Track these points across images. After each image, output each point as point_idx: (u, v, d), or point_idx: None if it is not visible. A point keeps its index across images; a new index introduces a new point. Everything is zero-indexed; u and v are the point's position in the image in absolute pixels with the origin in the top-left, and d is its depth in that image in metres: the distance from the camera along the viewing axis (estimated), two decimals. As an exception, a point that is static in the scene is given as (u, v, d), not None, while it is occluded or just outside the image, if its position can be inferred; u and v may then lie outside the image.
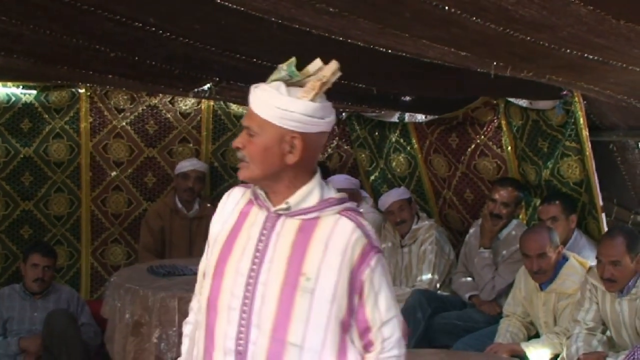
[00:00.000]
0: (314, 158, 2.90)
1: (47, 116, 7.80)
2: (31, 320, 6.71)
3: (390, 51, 4.13)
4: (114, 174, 8.01)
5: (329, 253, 2.77)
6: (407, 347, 2.92)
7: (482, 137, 6.93)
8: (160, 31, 4.37)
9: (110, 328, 6.01)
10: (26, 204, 7.82)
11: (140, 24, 4.24)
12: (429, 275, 6.90)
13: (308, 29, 3.86)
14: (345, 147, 8.65)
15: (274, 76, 2.80)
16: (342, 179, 7.61)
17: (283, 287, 2.75)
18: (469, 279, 6.74)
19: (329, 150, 8.60)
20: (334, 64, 2.78)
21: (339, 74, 2.79)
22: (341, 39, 3.97)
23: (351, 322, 2.80)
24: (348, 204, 2.88)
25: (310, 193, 2.83)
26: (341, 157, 8.64)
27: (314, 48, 4.41)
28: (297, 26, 3.84)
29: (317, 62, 2.80)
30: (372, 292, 2.80)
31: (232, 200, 2.99)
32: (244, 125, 2.83)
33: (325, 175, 7.56)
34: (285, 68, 2.78)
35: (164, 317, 5.50)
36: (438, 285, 6.92)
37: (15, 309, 6.51)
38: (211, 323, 2.85)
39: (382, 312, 2.82)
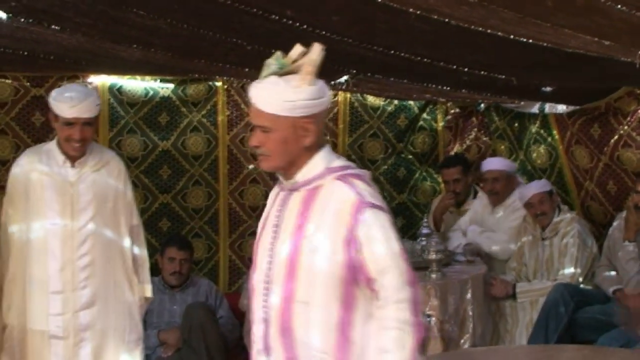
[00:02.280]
0: (321, 133, 3.14)
1: (184, 110, 7.85)
2: (170, 313, 6.78)
3: (530, 41, 4.06)
4: (250, 166, 8.01)
5: (326, 215, 3.00)
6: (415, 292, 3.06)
7: (626, 127, 6.79)
8: (297, 23, 4.33)
9: (248, 321, 6.01)
10: (164, 197, 7.89)
11: (277, 17, 4.22)
12: (571, 269, 6.75)
13: (446, 20, 3.81)
14: (484, 139, 8.46)
15: (265, 72, 3.03)
16: (495, 161, 7.58)
17: (290, 252, 3.03)
18: (613, 272, 6.59)
19: (467, 142, 8.45)
20: (318, 47, 3.01)
21: (322, 54, 3.00)
22: (480, 29, 3.93)
23: (357, 277, 2.98)
24: (350, 170, 3.11)
25: (315, 165, 3.09)
26: (480, 149, 8.46)
27: (452, 38, 4.35)
28: (436, 17, 3.78)
29: (298, 48, 3.04)
30: (368, 245, 2.97)
31: (274, 189, 3.28)
32: (256, 124, 3.08)
33: (467, 167, 7.53)
34: (274, 62, 3.02)
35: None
36: (580, 279, 6.75)
37: (154, 302, 6.55)
38: (251, 300, 3.19)
39: (380, 262, 2.97)
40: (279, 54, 3.03)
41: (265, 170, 3.23)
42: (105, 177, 4.99)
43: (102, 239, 4.94)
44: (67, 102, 4.72)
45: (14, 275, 4.87)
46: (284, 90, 2.98)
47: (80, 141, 4.79)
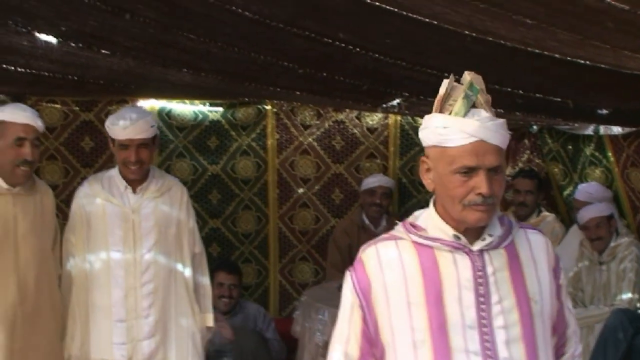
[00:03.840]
0: None
1: (233, 133, 7.84)
2: (221, 339, 6.70)
3: (588, 63, 3.96)
4: (301, 190, 7.96)
5: (539, 269, 2.69)
6: None
7: (682, 149, 6.62)
8: (350, 46, 4.27)
9: (300, 348, 5.96)
10: (214, 222, 7.87)
11: (330, 40, 4.16)
12: (629, 294, 6.59)
13: (502, 41, 3.72)
14: (537, 161, 8.33)
15: (466, 105, 2.59)
16: (599, 188, 7.24)
17: (522, 323, 2.60)
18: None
19: (520, 164, 8.33)
20: (477, 75, 2.65)
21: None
22: (536, 50, 3.82)
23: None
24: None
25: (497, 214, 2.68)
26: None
27: (506, 60, 4.27)
28: (491, 38, 3.70)
29: (466, 75, 2.65)
30: (566, 292, 2.81)
31: (394, 261, 2.65)
32: (492, 166, 2.55)
33: (540, 184, 7.47)
34: (471, 92, 2.61)
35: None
36: (638, 305, 6.58)
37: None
38: None
39: (572, 310, 2.84)
40: (469, 80, 2.62)
41: (483, 224, 2.60)
42: (167, 204, 4.96)
43: (165, 267, 4.91)
44: (120, 124, 4.72)
45: (77, 305, 4.84)
46: (500, 122, 2.59)
47: (136, 163, 4.76)
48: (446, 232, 2.61)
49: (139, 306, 4.81)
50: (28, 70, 5.58)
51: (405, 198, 8.19)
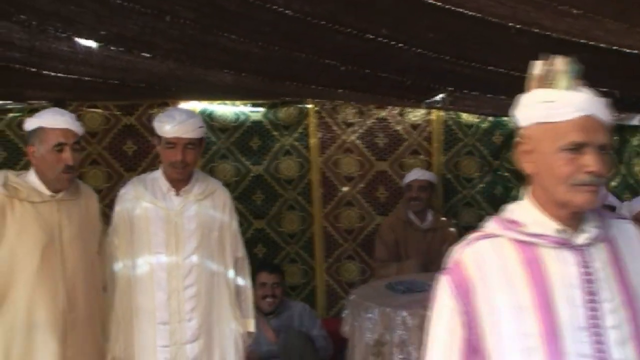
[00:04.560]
0: None
1: (276, 133, 7.80)
2: (267, 340, 6.68)
3: (636, 52, 3.89)
4: (345, 189, 7.91)
5: (638, 262, 2.51)
6: None
7: None
8: (393, 42, 4.24)
9: (350, 348, 5.93)
10: (259, 223, 7.84)
11: (372, 36, 4.12)
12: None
13: (547, 33, 3.70)
14: (584, 153, 8.25)
15: (569, 80, 2.43)
16: None
17: (633, 321, 2.43)
18: None
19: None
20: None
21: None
22: (582, 41, 3.79)
23: None
24: None
25: None
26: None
27: (551, 51, 4.21)
28: (537, 30, 3.65)
29: (555, 57, 2.46)
30: None
31: (495, 262, 2.48)
32: (602, 144, 2.38)
33: None
34: (572, 69, 2.44)
35: (406, 336, 5.34)
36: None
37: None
38: None
39: None
40: (567, 60, 2.46)
41: (592, 207, 2.44)
42: (209, 207, 4.93)
43: (207, 270, 4.88)
44: (168, 122, 4.69)
45: (121, 308, 4.83)
46: (608, 102, 2.43)
47: (182, 163, 4.73)
48: (549, 226, 2.45)
49: (182, 309, 4.79)
50: (68, 76, 5.59)
51: (450, 194, 8.12)
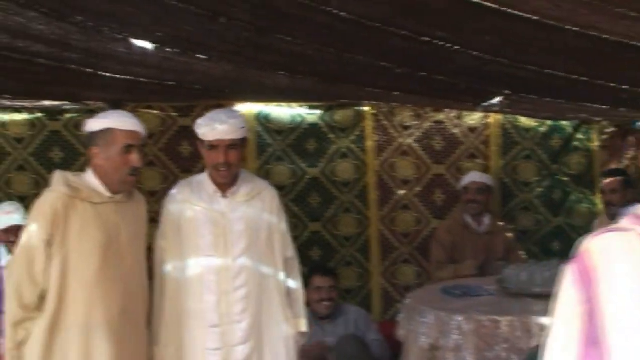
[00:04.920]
0: None
1: (332, 136, 7.78)
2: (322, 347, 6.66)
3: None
4: (401, 192, 7.87)
5: None
6: None
7: None
8: (449, 45, 4.20)
9: (405, 352, 5.88)
10: (315, 225, 7.82)
11: (428, 38, 4.09)
12: None
13: (605, 36, 3.67)
14: (643, 158, 8.14)
15: None
16: None
17: None
18: None
19: (625, 161, 8.12)
20: None
21: None
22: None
23: None
24: None
25: None
26: (638, 169, 8.12)
27: (611, 55, 4.15)
28: (595, 33, 3.63)
29: None
30: None
31: (627, 254, 2.33)
32: None
33: (628, 181, 7.24)
34: None
35: (461, 341, 5.29)
36: None
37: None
38: None
39: None
40: None
41: None
42: (258, 208, 4.89)
43: (257, 272, 4.84)
44: (209, 125, 4.67)
45: (170, 310, 4.81)
46: None
47: (225, 165, 4.70)
48: None
49: (232, 311, 4.76)
50: (125, 77, 5.62)
51: (508, 198, 8.05)
